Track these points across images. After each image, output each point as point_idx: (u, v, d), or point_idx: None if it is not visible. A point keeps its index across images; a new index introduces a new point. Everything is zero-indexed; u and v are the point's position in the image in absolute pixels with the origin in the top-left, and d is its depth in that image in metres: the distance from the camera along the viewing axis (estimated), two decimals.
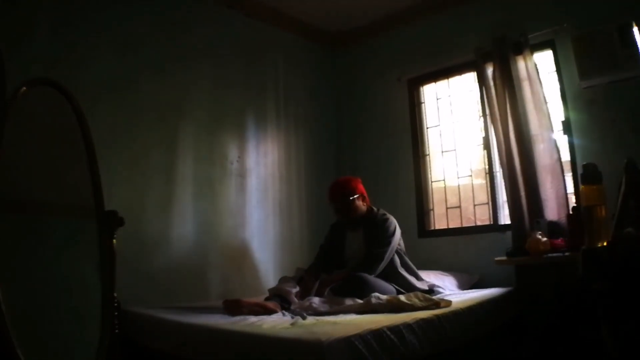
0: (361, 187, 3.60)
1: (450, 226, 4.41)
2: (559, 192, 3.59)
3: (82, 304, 2.24)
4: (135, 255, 3.22)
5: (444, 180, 4.50)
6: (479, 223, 4.25)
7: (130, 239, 2.84)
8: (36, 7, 2.96)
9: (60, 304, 2.14)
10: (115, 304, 2.32)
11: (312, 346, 1.93)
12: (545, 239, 3.33)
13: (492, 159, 4.11)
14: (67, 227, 2.23)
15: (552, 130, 3.66)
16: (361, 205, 3.55)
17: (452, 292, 3.57)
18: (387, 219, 3.48)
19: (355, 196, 3.50)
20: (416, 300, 2.78)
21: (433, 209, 4.53)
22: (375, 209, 3.58)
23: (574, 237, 3.18)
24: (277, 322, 2.48)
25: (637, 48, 3.23)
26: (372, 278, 3.17)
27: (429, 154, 4.61)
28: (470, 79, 4.36)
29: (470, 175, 4.35)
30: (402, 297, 2.84)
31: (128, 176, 3.34)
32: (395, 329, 2.25)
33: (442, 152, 4.53)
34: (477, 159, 4.33)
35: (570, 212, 3.41)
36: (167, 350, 2.57)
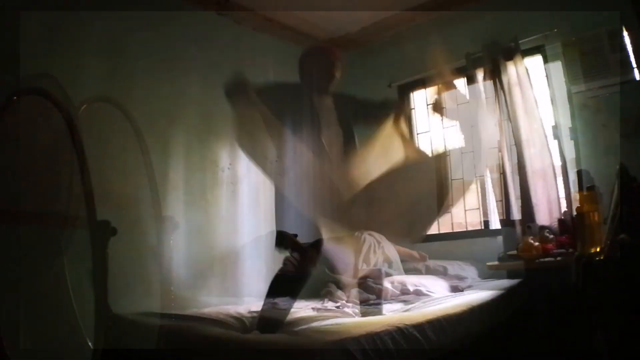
0: None
1: (441, 231, 4.41)
2: (551, 197, 3.60)
3: (77, 312, 2.22)
4: (129, 263, 3.18)
5: None
6: (469, 228, 4.25)
7: (123, 247, 2.80)
8: (27, 12, 2.92)
9: (54, 312, 2.12)
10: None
11: (307, 351, 1.92)
12: (537, 243, 3.34)
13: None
14: (61, 236, 2.21)
15: (544, 135, 3.68)
16: None
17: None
18: None
19: None
20: None
21: None
22: None
23: (565, 242, 3.20)
24: None
25: (627, 53, 3.27)
26: None
27: None
28: (460, 84, 4.37)
29: (462, 179, 4.35)
30: None
31: (119, 185, 3.30)
32: (387, 332, 2.21)
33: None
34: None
35: (562, 217, 3.42)
36: (157, 355, 2.54)
